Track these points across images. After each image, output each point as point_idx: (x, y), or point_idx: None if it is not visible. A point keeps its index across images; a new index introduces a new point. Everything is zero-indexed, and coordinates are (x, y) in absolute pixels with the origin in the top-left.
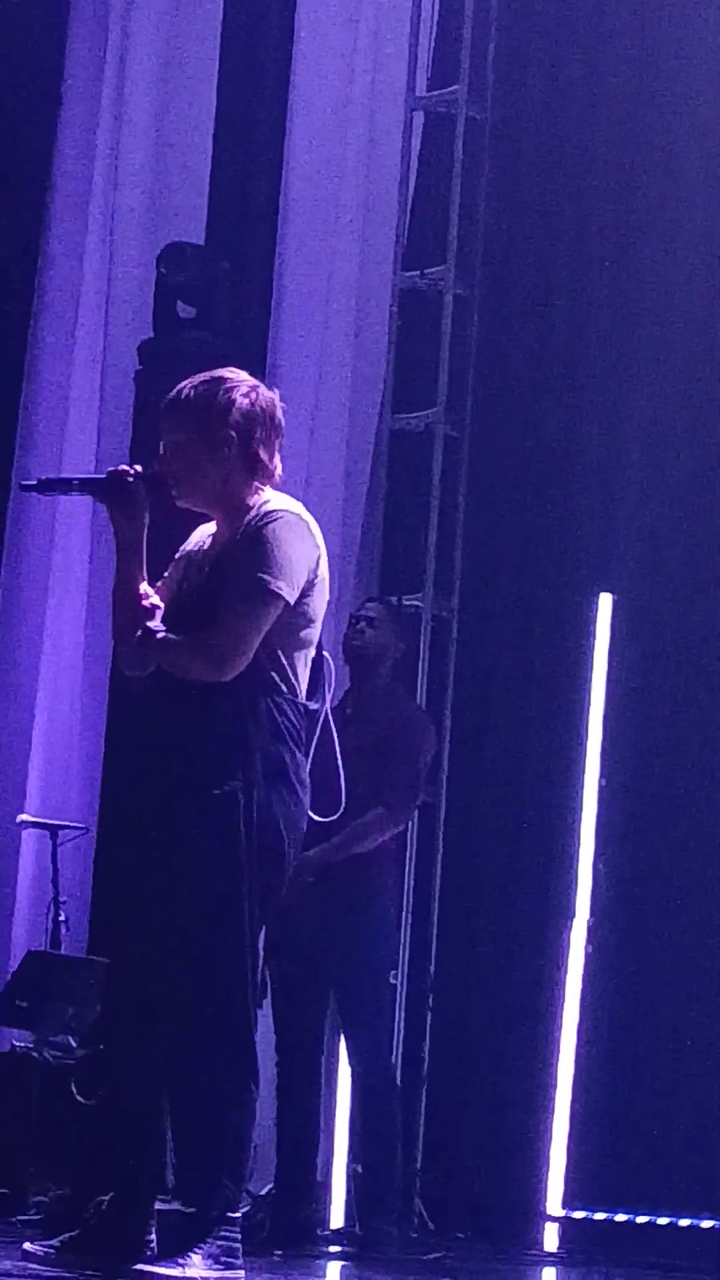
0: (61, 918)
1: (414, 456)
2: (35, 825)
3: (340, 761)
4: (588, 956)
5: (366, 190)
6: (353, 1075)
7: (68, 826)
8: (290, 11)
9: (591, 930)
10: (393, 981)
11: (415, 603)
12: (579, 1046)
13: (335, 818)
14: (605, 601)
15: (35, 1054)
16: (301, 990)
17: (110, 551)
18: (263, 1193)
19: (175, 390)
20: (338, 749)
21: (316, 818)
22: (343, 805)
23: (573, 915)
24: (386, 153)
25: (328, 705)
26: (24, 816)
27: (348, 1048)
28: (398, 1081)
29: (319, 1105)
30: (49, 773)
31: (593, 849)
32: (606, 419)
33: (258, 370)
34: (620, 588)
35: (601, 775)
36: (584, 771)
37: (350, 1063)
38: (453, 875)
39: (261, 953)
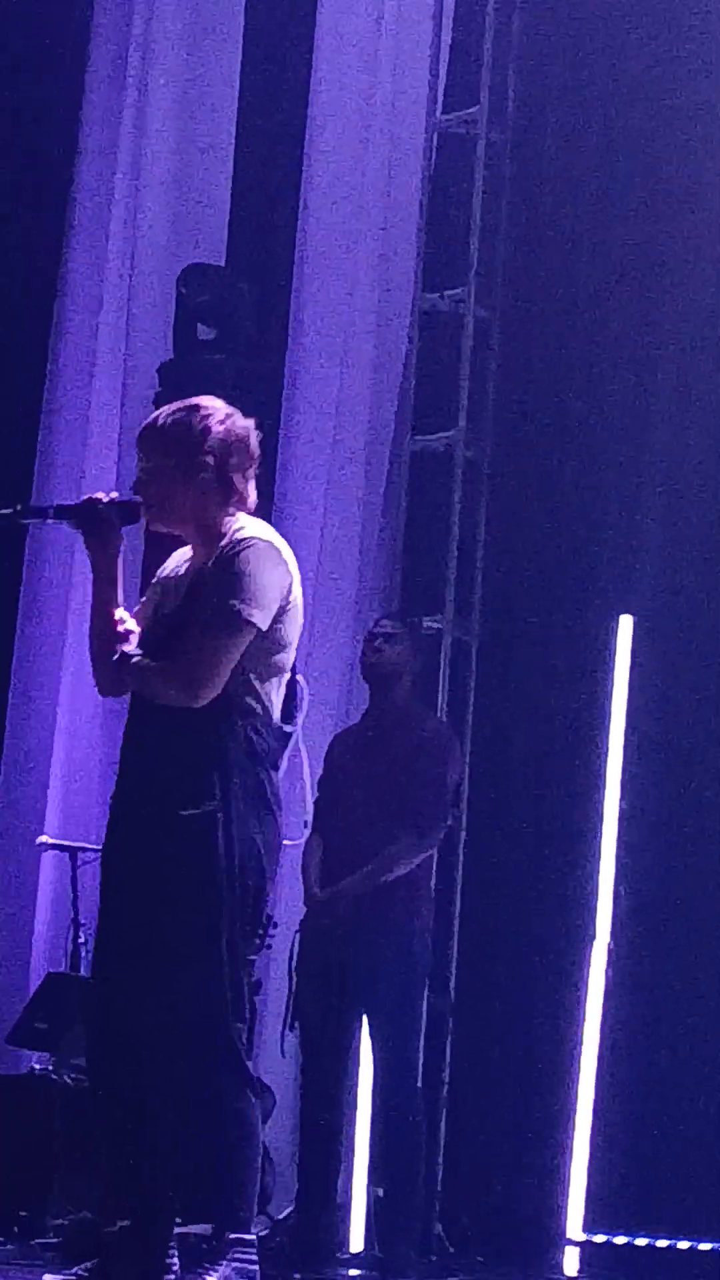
0: (81, 940)
1: (434, 478)
2: (55, 847)
3: (310, 783)
4: (608, 979)
5: (386, 212)
6: (376, 1097)
7: (87, 848)
8: (309, 34)
9: (612, 953)
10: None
11: (435, 625)
12: (599, 1069)
13: (300, 841)
14: (625, 623)
15: (54, 1076)
16: (331, 1014)
17: (127, 575)
18: (282, 1215)
19: (151, 417)
20: (307, 770)
21: (286, 841)
22: (308, 827)
23: (593, 938)
24: (406, 174)
25: (299, 728)
26: (44, 838)
27: (374, 1069)
28: (421, 1104)
29: (341, 1129)
30: (68, 795)
31: (613, 872)
32: (627, 439)
33: (277, 391)
34: (640, 609)
35: (622, 798)
36: (604, 794)
37: (375, 1085)
38: (473, 898)
39: (296, 977)
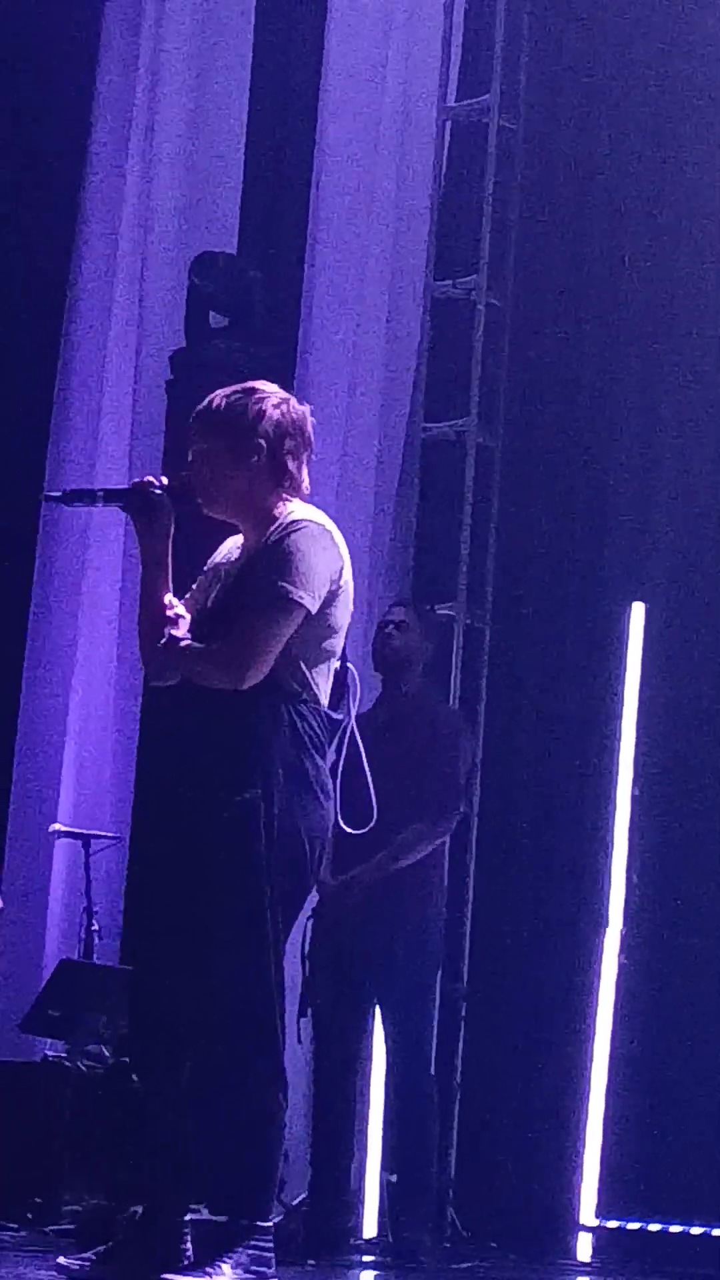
0: (94, 927)
1: (446, 465)
2: (68, 835)
3: (369, 772)
4: (620, 966)
5: (398, 199)
6: (390, 1084)
7: (100, 836)
8: (321, 21)
9: (624, 940)
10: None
11: (448, 612)
12: (612, 1056)
13: (367, 829)
14: (638, 610)
15: (68, 1063)
16: (344, 1001)
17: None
18: (296, 1202)
19: (206, 400)
20: (365, 760)
21: (347, 829)
22: (374, 817)
23: (605, 925)
24: (418, 162)
25: (353, 716)
26: (57, 826)
27: (388, 1056)
28: (434, 1091)
29: (354, 1115)
30: (81, 782)
31: (625, 859)
32: (639, 427)
33: (289, 380)
34: (653, 596)
35: (634, 785)
36: (617, 781)
37: (389, 1071)
38: (485, 885)
39: (309, 964)
